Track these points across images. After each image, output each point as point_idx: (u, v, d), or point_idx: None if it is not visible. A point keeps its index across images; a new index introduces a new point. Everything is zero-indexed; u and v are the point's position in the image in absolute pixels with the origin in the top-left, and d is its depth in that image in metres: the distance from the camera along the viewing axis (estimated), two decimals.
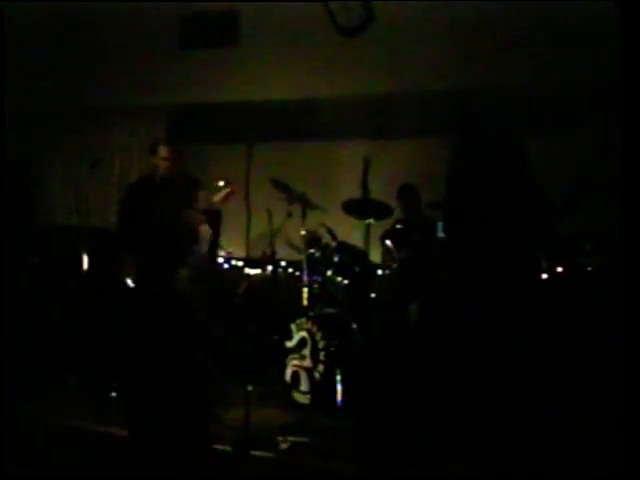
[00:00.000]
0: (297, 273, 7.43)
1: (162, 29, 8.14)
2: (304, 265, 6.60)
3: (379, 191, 6.77)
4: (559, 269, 6.36)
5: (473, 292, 5.31)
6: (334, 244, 6.61)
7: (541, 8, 6.67)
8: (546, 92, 6.86)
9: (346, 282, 6.51)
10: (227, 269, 7.52)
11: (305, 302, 6.54)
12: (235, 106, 7.95)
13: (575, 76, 6.64)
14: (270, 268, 7.34)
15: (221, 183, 6.24)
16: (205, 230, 6.40)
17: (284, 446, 5.23)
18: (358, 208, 6.72)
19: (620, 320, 3.86)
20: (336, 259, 6.54)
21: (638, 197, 3.79)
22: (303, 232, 6.71)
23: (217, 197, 6.24)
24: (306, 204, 6.71)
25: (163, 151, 6.35)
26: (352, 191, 6.84)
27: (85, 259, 6.63)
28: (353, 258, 6.57)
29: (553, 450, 4.83)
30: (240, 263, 7.49)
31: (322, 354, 6.09)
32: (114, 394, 6.15)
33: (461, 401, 5.19)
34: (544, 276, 6.09)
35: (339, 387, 5.89)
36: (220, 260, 7.52)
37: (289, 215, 6.79)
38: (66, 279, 7.17)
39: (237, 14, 7.92)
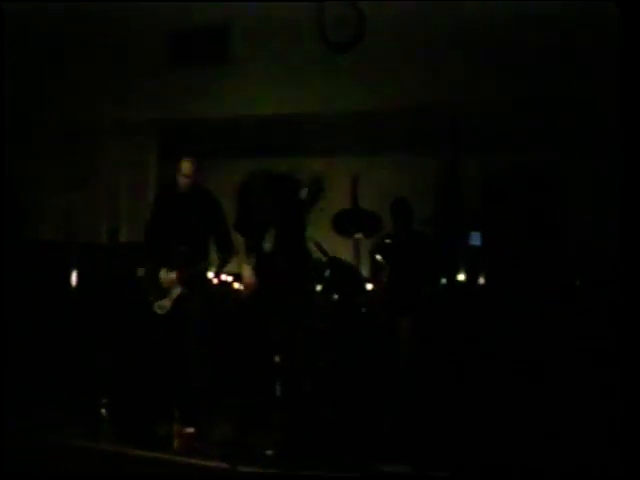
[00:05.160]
0: None
1: (152, 45, 8.16)
2: None
3: (369, 207, 6.79)
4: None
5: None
6: (324, 259, 6.61)
7: (534, 22, 6.73)
8: (541, 104, 6.90)
9: (336, 297, 6.50)
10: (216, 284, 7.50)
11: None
12: (225, 121, 7.96)
13: (572, 87, 6.69)
14: None
15: None
16: None
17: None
18: (347, 224, 6.74)
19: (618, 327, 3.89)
20: (327, 274, 6.53)
21: (637, 207, 3.82)
22: None
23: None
24: None
25: (185, 167, 6.10)
26: (342, 207, 6.86)
27: (74, 274, 6.62)
28: (343, 273, 6.57)
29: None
30: (230, 278, 7.47)
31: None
32: (104, 411, 6.11)
33: (453, 413, 5.22)
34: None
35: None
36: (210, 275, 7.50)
37: None
38: (55, 294, 7.14)
39: (227, 30, 7.95)
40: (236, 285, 7.28)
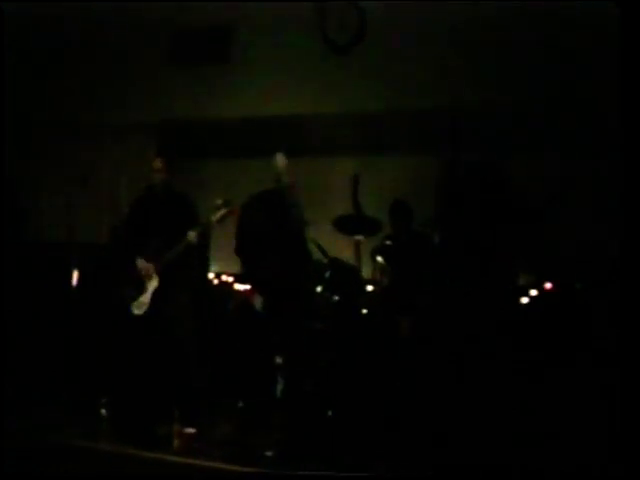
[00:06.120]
0: None
1: (153, 45, 8.17)
2: None
3: (370, 207, 6.79)
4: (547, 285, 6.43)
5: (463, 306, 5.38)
6: (325, 260, 6.60)
7: (534, 22, 6.74)
8: (540, 108, 6.91)
9: (337, 298, 6.49)
10: (217, 285, 7.52)
11: None
12: (226, 122, 7.96)
13: (572, 90, 6.69)
14: None
15: (219, 202, 6.16)
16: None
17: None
18: (349, 224, 6.73)
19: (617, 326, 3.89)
20: (327, 275, 6.52)
21: (638, 207, 3.82)
22: None
23: (215, 217, 6.14)
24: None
25: (156, 163, 6.39)
26: (343, 207, 6.85)
27: (75, 274, 6.62)
28: (344, 274, 6.56)
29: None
30: (230, 279, 7.48)
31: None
32: (104, 411, 6.11)
33: (453, 412, 5.21)
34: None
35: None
36: (210, 276, 7.52)
37: None
38: (56, 294, 7.13)
39: (228, 30, 7.95)
40: (236, 286, 7.30)
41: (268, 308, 6.14)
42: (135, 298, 6.12)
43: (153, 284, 6.11)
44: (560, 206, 5.31)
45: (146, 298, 6.11)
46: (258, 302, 6.18)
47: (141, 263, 6.14)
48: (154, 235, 6.19)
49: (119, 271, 6.31)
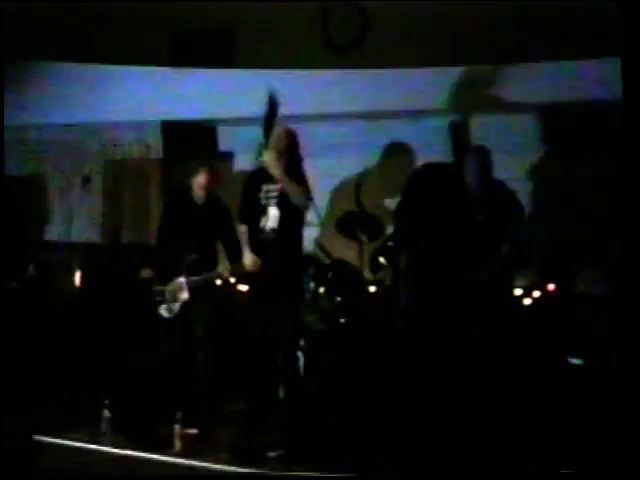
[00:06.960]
0: None
1: (153, 45, 8.17)
2: None
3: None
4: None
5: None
6: (327, 261, 6.62)
7: (534, 22, 6.75)
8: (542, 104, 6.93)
9: (339, 299, 6.50)
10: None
11: None
12: (227, 123, 7.96)
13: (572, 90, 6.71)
14: None
15: None
16: None
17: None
18: (351, 225, 6.75)
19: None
20: (329, 276, 6.54)
21: (638, 207, 3.83)
22: None
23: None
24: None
25: (202, 177, 6.11)
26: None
27: (78, 274, 6.63)
28: (346, 275, 6.58)
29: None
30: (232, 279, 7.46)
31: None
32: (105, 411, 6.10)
33: (452, 412, 5.22)
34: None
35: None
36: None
37: None
38: (59, 294, 7.15)
39: (229, 31, 7.96)
40: (239, 286, 7.29)
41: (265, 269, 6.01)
42: (163, 302, 6.08)
43: (184, 296, 6.03)
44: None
45: (176, 307, 6.05)
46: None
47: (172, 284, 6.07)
48: (189, 247, 6.06)
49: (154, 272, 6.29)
